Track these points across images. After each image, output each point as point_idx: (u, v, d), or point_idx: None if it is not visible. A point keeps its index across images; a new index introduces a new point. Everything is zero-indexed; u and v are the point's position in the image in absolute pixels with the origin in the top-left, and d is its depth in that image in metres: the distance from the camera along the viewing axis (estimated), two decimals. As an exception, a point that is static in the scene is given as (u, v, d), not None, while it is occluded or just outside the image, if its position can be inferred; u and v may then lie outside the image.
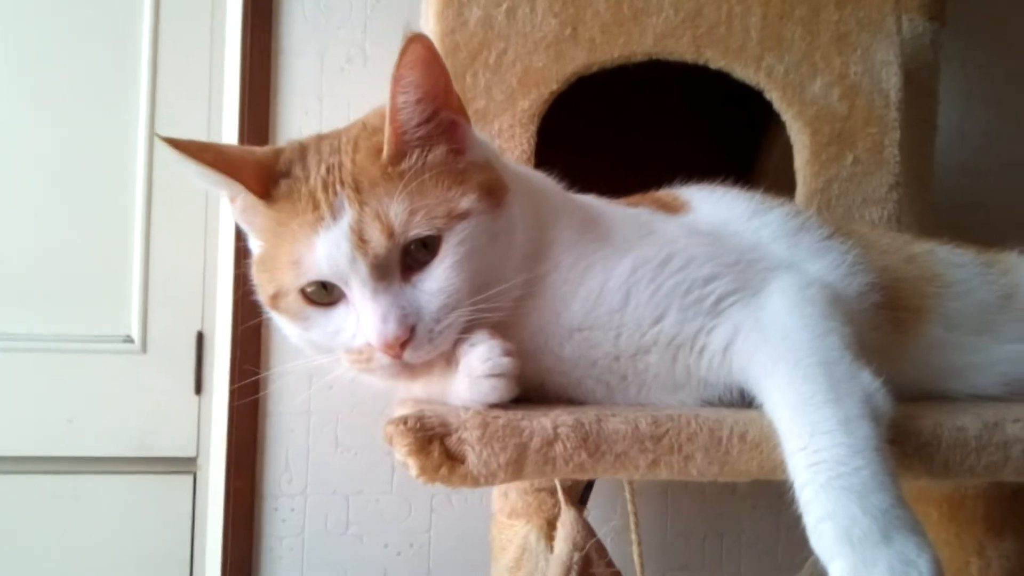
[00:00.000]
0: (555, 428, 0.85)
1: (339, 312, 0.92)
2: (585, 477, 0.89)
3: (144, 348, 2.02)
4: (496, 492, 1.68)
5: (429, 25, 1.47)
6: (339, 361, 0.95)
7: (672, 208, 1.13)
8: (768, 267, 1.01)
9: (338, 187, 0.92)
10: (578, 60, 1.47)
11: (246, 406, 2.01)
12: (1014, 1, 2.25)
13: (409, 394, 1.00)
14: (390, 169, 0.92)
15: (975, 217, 2.21)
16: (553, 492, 1.54)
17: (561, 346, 0.96)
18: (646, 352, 0.96)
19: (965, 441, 0.88)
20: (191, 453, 2.04)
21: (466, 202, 0.92)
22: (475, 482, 0.84)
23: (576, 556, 1.61)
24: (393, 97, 0.91)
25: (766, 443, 0.86)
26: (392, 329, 0.88)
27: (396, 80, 0.90)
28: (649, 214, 1.10)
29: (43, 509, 1.97)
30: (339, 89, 2.04)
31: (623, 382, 0.97)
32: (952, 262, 1.17)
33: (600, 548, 1.61)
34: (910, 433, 0.87)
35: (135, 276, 2.01)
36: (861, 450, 0.78)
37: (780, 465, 0.85)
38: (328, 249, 0.90)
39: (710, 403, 0.98)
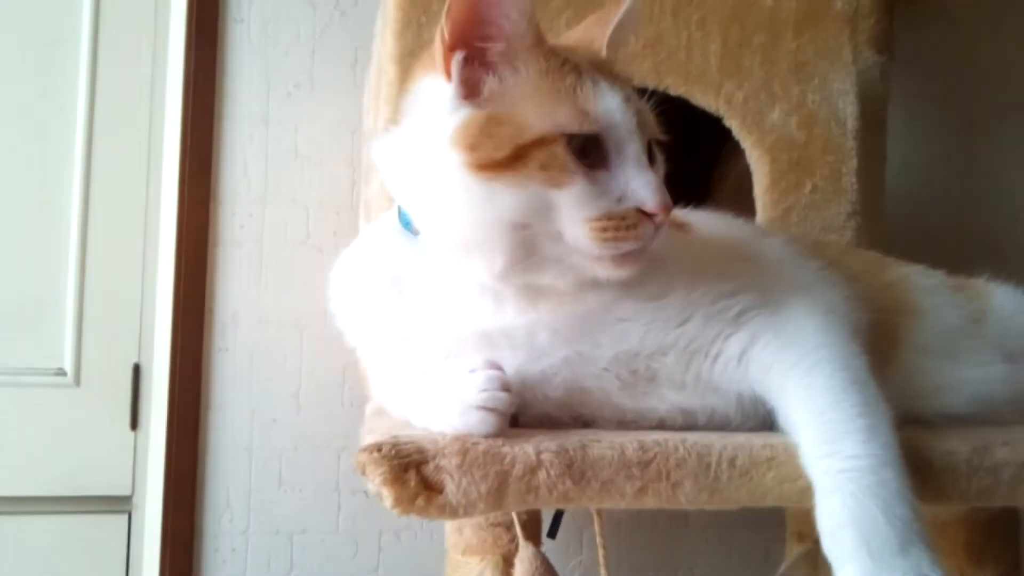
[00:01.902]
0: (538, 455, 0.81)
1: (600, 175, 0.88)
2: (570, 506, 0.85)
3: (77, 381, 1.92)
4: (449, 527, 1.62)
5: (386, 46, 1.44)
6: (554, 238, 0.88)
7: (680, 229, 1.11)
8: (788, 288, 1.00)
9: (596, 69, 0.93)
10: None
11: (185, 442, 1.93)
12: (960, 33, 2.30)
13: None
14: (617, 71, 0.97)
15: (924, 248, 2.24)
16: (510, 527, 1.49)
17: (603, 331, 0.93)
18: (664, 353, 0.94)
19: (955, 465, 0.87)
20: (126, 491, 1.94)
21: (663, 135, 0.98)
22: (454, 513, 0.79)
23: (534, 593, 1.57)
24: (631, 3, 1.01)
25: (755, 470, 0.83)
26: (666, 197, 0.88)
27: None
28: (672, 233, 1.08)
29: (-34, 552, 1.85)
30: (286, 114, 2.00)
31: (633, 376, 0.95)
32: (924, 287, 1.18)
33: (559, 584, 1.57)
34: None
35: (68, 305, 1.92)
36: (890, 463, 0.80)
37: (770, 492, 0.84)
38: (618, 103, 0.89)
39: (708, 409, 0.97)
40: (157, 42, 1.99)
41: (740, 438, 0.86)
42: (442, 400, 0.86)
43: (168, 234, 1.95)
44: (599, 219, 0.87)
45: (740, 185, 1.61)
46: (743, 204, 1.56)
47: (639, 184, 0.88)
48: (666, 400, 0.96)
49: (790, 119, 1.52)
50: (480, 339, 0.92)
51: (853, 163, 1.53)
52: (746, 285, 0.96)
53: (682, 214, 1.13)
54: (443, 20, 0.88)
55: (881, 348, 1.07)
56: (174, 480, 1.92)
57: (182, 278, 1.94)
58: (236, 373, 1.96)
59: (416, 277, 0.97)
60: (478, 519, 1.58)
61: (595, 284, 0.92)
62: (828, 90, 1.54)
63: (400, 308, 0.97)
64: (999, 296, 1.23)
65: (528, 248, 0.88)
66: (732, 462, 0.84)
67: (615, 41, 1.02)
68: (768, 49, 1.52)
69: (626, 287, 0.92)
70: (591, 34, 1.02)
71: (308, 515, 1.97)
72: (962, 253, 2.22)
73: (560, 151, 0.86)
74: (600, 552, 1.33)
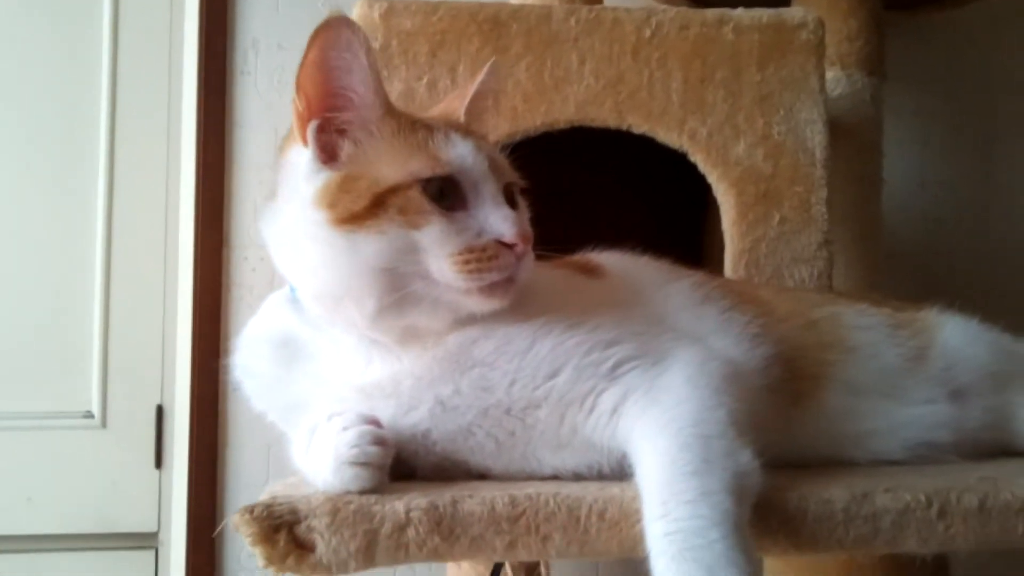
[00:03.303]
0: (407, 512, 0.83)
1: (459, 215, 0.93)
2: (441, 561, 0.87)
3: (104, 423, 2.04)
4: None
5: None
6: (424, 278, 0.92)
7: (587, 272, 1.12)
8: (673, 338, 1.00)
9: (444, 122, 1.01)
10: (500, 129, 1.48)
11: (205, 479, 2.01)
12: (958, 49, 2.25)
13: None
14: (472, 129, 1.05)
15: (937, 265, 2.20)
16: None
17: (462, 376, 0.95)
18: (536, 407, 0.94)
19: (832, 514, 0.85)
20: (152, 528, 2.04)
21: (520, 180, 1.05)
22: (327, 571, 0.82)
23: (521, 628, 1.59)
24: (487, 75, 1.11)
25: (625, 521, 0.84)
26: (524, 228, 0.94)
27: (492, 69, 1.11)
28: (569, 277, 1.10)
29: (2, 589, 1.97)
30: (294, 162, 2.07)
31: (511, 438, 0.95)
32: (857, 325, 1.15)
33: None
34: (775, 506, 0.85)
35: (94, 351, 2.04)
36: (718, 523, 0.77)
37: (640, 542, 0.83)
38: (469, 149, 0.96)
39: (595, 466, 0.96)
40: (171, 95, 2.10)
41: (614, 489, 0.87)
42: (320, 458, 0.89)
43: (185, 281, 2.05)
44: (461, 253, 0.91)
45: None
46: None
47: (496, 218, 0.93)
48: (544, 465, 0.96)
49: (756, 151, 1.51)
50: (358, 394, 0.95)
51: (823, 192, 1.51)
52: (629, 334, 0.97)
53: (597, 257, 1.15)
54: (295, 92, 0.93)
55: (799, 386, 1.07)
56: (196, 516, 2.00)
57: (199, 322, 2.04)
58: (252, 412, 2.02)
59: (303, 341, 1.01)
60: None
61: (460, 324, 0.95)
62: (795, 120, 1.52)
63: (292, 372, 1.02)
64: (948, 329, 1.20)
65: (398, 290, 0.92)
66: (602, 515, 0.85)
67: (475, 110, 1.10)
68: (731, 83, 1.52)
69: (489, 328, 0.95)
70: (452, 106, 1.10)
71: (325, 549, 2.02)
72: (979, 268, 2.18)
73: (415, 195, 0.91)
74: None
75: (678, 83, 1.52)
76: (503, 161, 1.02)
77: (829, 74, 1.82)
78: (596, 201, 1.69)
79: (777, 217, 1.51)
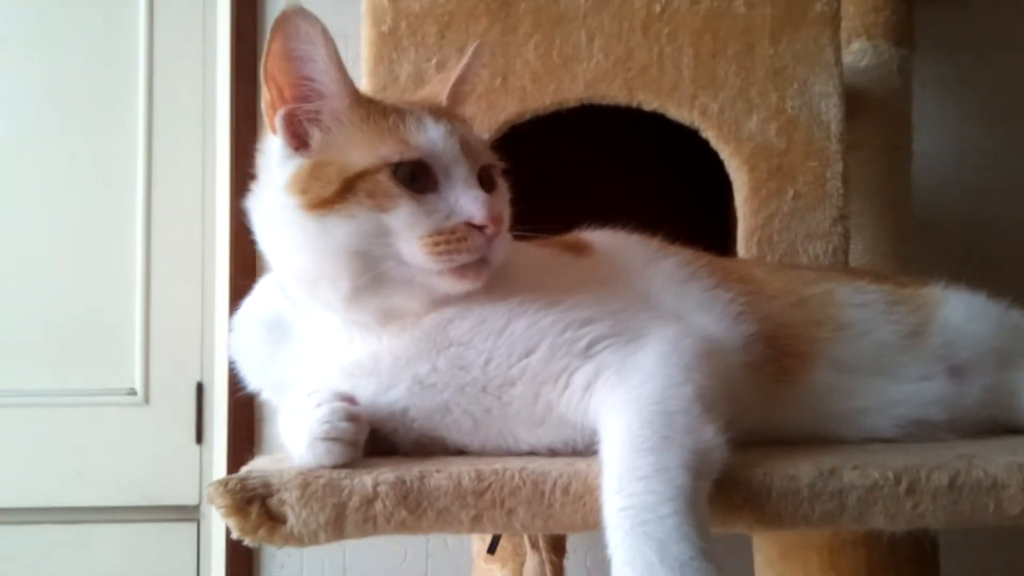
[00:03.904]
0: (375, 486, 0.86)
1: (429, 197, 0.95)
2: (409, 534, 0.90)
3: (147, 400, 2.11)
4: (476, 535, 1.68)
5: (362, 81, 1.51)
6: (396, 260, 0.95)
7: (576, 251, 1.13)
8: (652, 316, 1.01)
9: (420, 106, 1.02)
10: (509, 109, 1.49)
11: (243, 454, 2.07)
12: (1001, 16, 2.18)
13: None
14: (452, 112, 1.06)
15: (979, 237, 2.14)
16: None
17: (438, 354, 0.97)
18: (511, 384, 0.96)
19: (797, 490, 0.85)
20: (194, 501, 2.11)
21: (499, 162, 1.07)
22: (298, 542, 0.86)
23: (540, 601, 1.61)
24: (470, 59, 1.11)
25: (589, 495, 0.85)
26: (495, 209, 0.95)
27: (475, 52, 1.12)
28: (554, 255, 1.11)
29: (54, 558, 2.06)
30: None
31: (488, 415, 0.97)
32: (851, 303, 1.14)
33: (567, 593, 1.61)
34: (740, 482, 0.85)
35: (137, 331, 2.11)
36: (671, 499, 0.77)
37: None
38: (440, 132, 0.97)
39: (570, 443, 0.97)
40: (206, 79, 2.17)
41: (580, 465, 0.88)
42: (296, 434, 0.92)
43: (222, 262, 2.10)
44: (431, 235, 0.93)
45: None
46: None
47: (466, 201, 0.95)
48: (521, 441, 0.98)
49: (769, 126, 1.50)
50: (339, 372, 0.98)
51: (838, 167, 1.49)
52: (606, 313, 0.97)
53: (588, 235, 1.16)
54: (263, 83, 0.95)
55: (785, 364, 1.07)
56: (235, 490, 2.06)
57: (236, 302, 2.07)
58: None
59: (291, 321, 1.04)
60: (497, 529, 1.65)
61: (438, 304, 0.97)
62: (809, 94, 1.50)
63: (281, 351, 1.05)
64: (951, 305, 1.18)
65: (373, 272, 0.94)
66: (566, 489, 0.86)
67: (458, 93, 1.12)
68: (743, 57, 1.50)
69: (465, 308, 0.96)
70: (435, 90, 1.12)
71: (359, 522, 2.07)
72: (998, 242, 2.12)
73: (384, 179, 0.94)
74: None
75: (689, 58, 1.50)
76: (478, 143, 1.03)
77: (855, 45, 1.80)
78: (609, 180, 1.69)
79: (791, 192, 1.49)
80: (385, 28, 1.49)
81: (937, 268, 1.29)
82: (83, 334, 2.11)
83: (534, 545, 1.56)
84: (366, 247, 0.94)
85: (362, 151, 0.95)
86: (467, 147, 0.99)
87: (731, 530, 0.87)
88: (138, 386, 2.11)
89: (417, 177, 0.95)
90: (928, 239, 1.96)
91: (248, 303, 1.13)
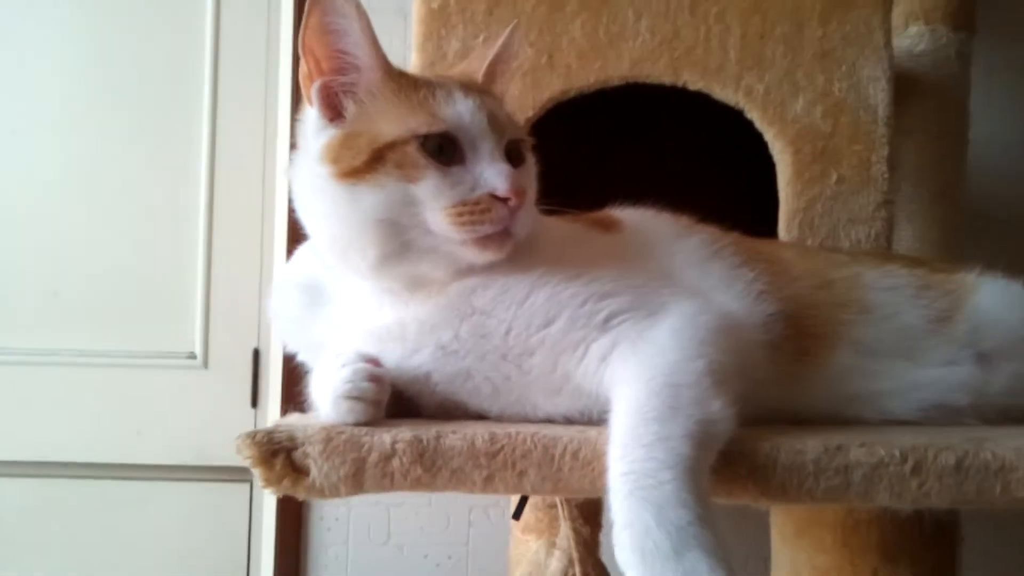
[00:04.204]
0: (393, 444, 0.89)
1: (455, 169, 0.98)
2: (425, 491, 0.93)
3: (206, 364, 2.19)
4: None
5: (412, 57, 1.54)
6: (422, 229, 0.98)
7: (605, 227, 1.15)
8: (672, 292, 1.02)
9: (453, 81, 1.05)
10: (554, 86, 1.51)
11: (295, 419, 2.14)
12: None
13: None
14: (486, 88, 1.09)
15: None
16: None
17: (461, 322, 1.00)
18: (531, 354, 0.98)
19: (803, 464, 0.86)
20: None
21: (529, 138, 1.09)
22: (320, 493, 0.90)
23: (571, 572, 1.64)
24: (507, 38, 1.14)
25: (597, 461, 0.88)
26: (519, 183, 0.98)
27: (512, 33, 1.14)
28: (581, 230, 1.13)
29: (114, 513, 2.16)
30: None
31: (507, 382, 1.00)
32: (878, 286, 1.13)
33: (598, 566, 1.64)
34: (745, 455, 0.87)
35: (198, 298, 2.19)
36: (671, 466, 0.79)
37: (611, 482, 0.86)
38: (469, 107, 1.00)
39: (586, 412, 1.00)
40: (269, 58, 2.22)
41: (591, 432, 0.90)
42: (322, 393, 0.96)
43: (281, 232, 2.17)
44: (455, 206, 0.96)
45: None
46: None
47: (491, 173, 0.97)
48: (539, 409, 1.01)
49: (815, 108, 1.49)
50: (368, 336, 1.02)
51: (884, 151, 1.47)
52: (627, 287, 0.99)
53: (618, 212, 1.17)
54: (301, 53, 0.99)
55: (806, 344, 1.07)
56: (287, 453, 2.13)
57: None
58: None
59: (325, 286, 1.09)
60: (536, 499, 1.68)
61: (463, 273, 1.00)
62: (857, 77, 1.49)
63: (316, 315, 1.09)
64: (983, 292, 1.17)
65: (400, 240, 0.98)
66: (575, 454, 0.89)
67: (494, 71, 1.14)
68: (791, 38, 1.50)
69: (489, 278, 1.00)
70: (473, 67, 1.15)
71: (405, 489, 2.13)
72: None
73: (412, 150, 0.97)
74: (572, 540, 1.38)
75: (736, 38, 1.50)
76: (507, 118, 1.05)
77: (912, 29, 1.77)
78: (652, 159, 1.69)
79: (835, 176, 1.48)
80: (435, 5, 1.52)
81: (992, 258, 1.28)
82: (148, 301, 2.19)
83: (570, 516, 1.59)
84: (394, 216, 0.97)
85: (392, 123, 0.98)
86: (495, 121, 1.01)
87: (737, 501, 0.89)
88: (198, 350, 2.19)
89: (444, 149, 0.98)
90: (988, 228, 1.93)
91: (287, 268, 1.17)
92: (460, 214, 0.96)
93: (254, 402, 2.19)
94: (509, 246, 0.99)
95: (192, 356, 2.19)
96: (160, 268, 2.19)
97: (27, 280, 2.19)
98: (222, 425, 2.17)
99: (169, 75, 2.21)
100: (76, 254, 2.19)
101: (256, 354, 2.20)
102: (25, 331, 2.18)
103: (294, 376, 2.09)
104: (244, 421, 2.18)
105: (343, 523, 2.15)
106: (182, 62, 2.21)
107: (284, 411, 2.14)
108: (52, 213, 2.19)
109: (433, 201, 0.97)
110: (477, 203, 0.96)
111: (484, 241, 0.98)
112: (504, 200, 0.97)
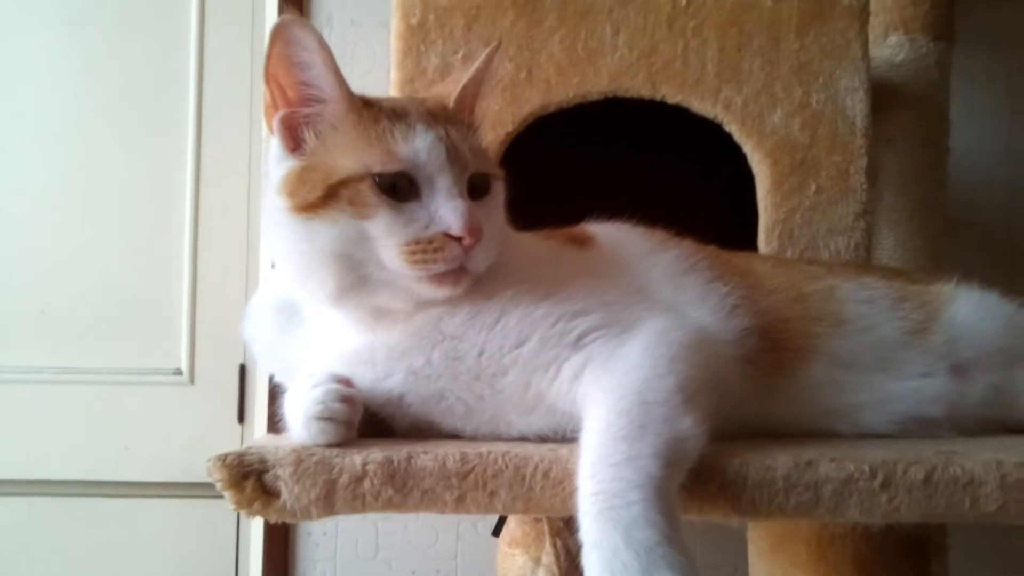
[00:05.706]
0: (364, 465, 0.89)
1: (410, 206, 0.97)
2: (396, 512, 0.93)
3: (192, 380, 2.18)
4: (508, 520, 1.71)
5: (391, 75, 1.55)
6: (378, 264, 0.97)
7: (579, 243, 1.15)
8: (646, 308, 1.02)
9: (419, 110, 1.03)
10: (534, 101, 1.52)
11: (282, 433, 2.13)
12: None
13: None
14: (455, 115, 1.07)
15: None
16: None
17: (433, 348, 1.00)
18: (504, 374, 0.99)
19: (772, 480, 0.86)
20: (235, 478, 2.17)
21: (496, 169, 1.08)
22: (292, 516, 0.90)
23: (555, 587, 1.63)
24: (484, 61, 1.11)
25: (568, 480, 0.88)
26: (474, 221, 0.96)
27: (489, 55, 1.11)
28: (554, 248, 1.13)
29: (101, 530, 2.15)
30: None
31: (480, 402, 1.00)
32: (854, 298, 1.14)
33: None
34: (716, 471, 0.87)
35: (183, 314, 2.18)
36: (640, 486, 0.79)
37: (584, 501, 0.86)
38: (427, 143, 0.98)
39: (560, 430, 1.00)
40: (254, 67, 2.21)
41: (563, 451, 0.90)
42: (294, 413, 0.96)
43: (266, 249, 2.16)
44: (408, 244, 0.96)
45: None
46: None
47: (446, 211, 0.96)
48: (513, 428, 1.01)
49: (793, 120, 1.49)
50: (340, 360, 1.02)
51: (863, 162, 1.48)
52: (599, 304, 0.99)
53: (592, 227, 1.17)
54: (265, 82, 0.99)
55: (781, 358, 1.07)
56: (274, 469, 2.13)
57: (278, 287, 2.15)
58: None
59: (298, 308, 1.09)
60: (521, 516, 1.68)
61: (428, 304, 1.00)
62: (834, 88, 1.50)
63: (289, 336, 1.09)
64: (959, 303, 1.17)
65: (357, 274, 0.98)
66: (547, 474, 0.89)
67: (466, 95, 1.11)
68: (768, 51, 1.50)
69: (454, 305, 0.99)
70: (447, 89, 1.13)
71: (392, 504, 2.13)
72: None
73: (365, 188, 0.96)
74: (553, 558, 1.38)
75: (714, 52, 1.51)
76: (470, 151, 1.03)
77: (892, 39, 1.78)
78: (631, 174, 1.70)
79: (813, 187, 1.49)
80: (414, 21, 1.52)
81: (976, 266, 1.28)
82: (133, 317, 2.18)
83: (554, 530, 1.59)
84: (349, 251, 0.97)
85: (348, 158, 0.98)
86: (455, 155, 1.00)
87: (708, 518, 0.89)
88: (184, 367, 2.18)
89: (399, 186, 0.97)
90: (969, 236, 1.93)
91: (261, 290, 1.18)
92: (413, 252, 0.96)
93: (241, 418, 2.19)
94: (465, 282, 0.99)
95: (178, 372, 2.18)
96: (146, 284, 2.19)
97: (13, 297, 2.18)
98: (209, 441, 2.16)
99: (154, 92, 2.21)
100: (62, 271, 2.18)
101: (242, 370, 2.19)
102: (11, 348, 2.18)
103: (280, 392, 2.12)
104: (231, 437, 2.18)
105: (331, 538, 2.14)
106: (167, 79, 2.21)
107: (271, 427, 2.14)
108: (38, 231, 2.18)
109: (386, 238, 0.96)
110: (430, 242, 0.96)
111: (439, 278, 0.98)
112: (458, 239, 0.96)
